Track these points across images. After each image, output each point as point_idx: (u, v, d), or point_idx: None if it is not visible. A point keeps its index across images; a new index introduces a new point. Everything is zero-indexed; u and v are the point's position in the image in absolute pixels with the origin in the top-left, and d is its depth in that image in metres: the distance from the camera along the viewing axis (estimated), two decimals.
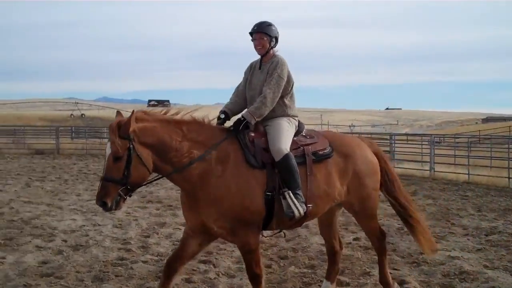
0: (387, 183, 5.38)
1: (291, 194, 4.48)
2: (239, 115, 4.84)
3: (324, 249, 6.95)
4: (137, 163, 4.21)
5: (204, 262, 6.48)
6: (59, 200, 10.82)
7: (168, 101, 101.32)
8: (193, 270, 6.18)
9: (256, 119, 4.72)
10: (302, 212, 4.49)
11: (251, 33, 4.88)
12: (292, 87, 4.98)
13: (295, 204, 4.46)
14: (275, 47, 4.95)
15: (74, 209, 9.99)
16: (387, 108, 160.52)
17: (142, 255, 6.80)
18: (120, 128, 4.17)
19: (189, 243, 4.68)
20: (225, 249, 7.10)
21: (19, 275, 5.86)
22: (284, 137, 4.69)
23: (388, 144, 20.73)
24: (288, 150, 4.59)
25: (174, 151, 4.37)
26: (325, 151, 4.89)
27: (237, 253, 6.92)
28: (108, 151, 4.21)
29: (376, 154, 5.34)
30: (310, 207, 4.64)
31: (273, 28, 4.87)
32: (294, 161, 4.56)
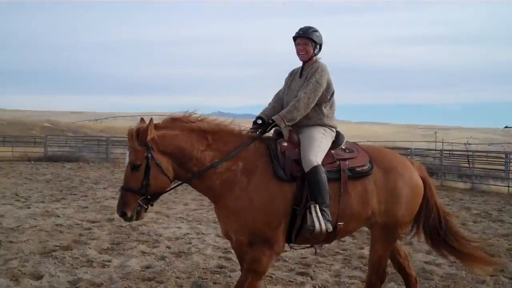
0: (426, 215, 4.84)
1: (317, 208, 4.17)
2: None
3: (427, 267, 6.42)
4: (156, 172, 4.09)
5: (301, 274, 6.35)
6: (167, 209, 11.11)
7: None
8: (290, 281, 6.05)
9: (287, 123, 4.45)
10: (324, 228, 4.15)
11: (295, 38, 4.62)
12: (332, 96, 4.66)
13: (319, 220, 4.13)
14: (318, 54, 4.68)
15: (180, 217, 10.23)
16: (506, 127, 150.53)
17: None
18: (139, 136, 4.04)
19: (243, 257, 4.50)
20: (324, 262, 6.92)
21: (123, 278, 6.03)
22: (315, 148, 4.38)
23: (504, 163, 19.29)
24: (319, 162, 4.29)
25: (194, 160, 4.22)
26: (363, 167, 4.51)
27: (336, 266, 6.68)
28: (127, 159, 4.12)
29: (423, 179, 4.82)
30: (341, 225, 4.38)
31: (318, 34, 4.61)
32: (323, 175, 4.24)
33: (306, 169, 4.24)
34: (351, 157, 4.52)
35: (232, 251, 7.29)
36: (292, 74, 4.82)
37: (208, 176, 4.25)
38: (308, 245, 4.70)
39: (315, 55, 4.64)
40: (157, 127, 4.13)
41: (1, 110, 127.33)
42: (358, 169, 4.48)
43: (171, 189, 4.41)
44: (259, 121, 4.64)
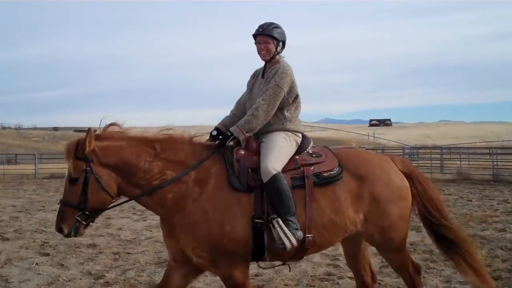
0: (426, 210, 4.45)
1: (280, 222, 3.81)
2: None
3: None
4: (95, 187, 3.78)
5: None
6: None
7: (389, 120, 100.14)
8: (399, 287, 5.82)
9: (246, 135, 4.09)
10: (294, 242, 3.80)
11: (254, 36, 4.25)
12: (295, 98, 4.29)
13: (285, 234, 3.78)
14: (281, 52, 4.32)
15: None
16: None
17: (349, 272, 6.57)
18: (77, 148, 3.77)
19: (172, 276, 4.13)
20: (434, 268, 6.64)
21: None
22: (275, 155, 4.01)
23: None
24: (278, 170, 3.93)
25: (142, 172, 3.88)
26: (331, 172, 4.13)
27: (447, 272, 6.34)
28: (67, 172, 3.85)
29: (409, 175, 4.43)
30: (310, 237, 3.98)
31: (280, 31, 4.25)
32: (284, 184, 3.88)
33: (264, 179, 3.89)
34: (317, 162, 4.16)
35: (340, 258, 7.24)
36: (255, 76, 4.50)
37: (161, 191, 3.91)
38: (280, 263, 4.31)
39: (278, 53, 4.29)
40: (100, 137, 3.88)
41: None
42: (325, 174, 4.11)
43: (118, 205, 4.08)
44: (214, 133, 4.33)
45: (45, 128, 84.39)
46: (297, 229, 3.84)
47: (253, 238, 3.89)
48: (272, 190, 3.86)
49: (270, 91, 4.10)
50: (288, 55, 4.37)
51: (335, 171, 4.13)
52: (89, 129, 3.78)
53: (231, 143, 4.17)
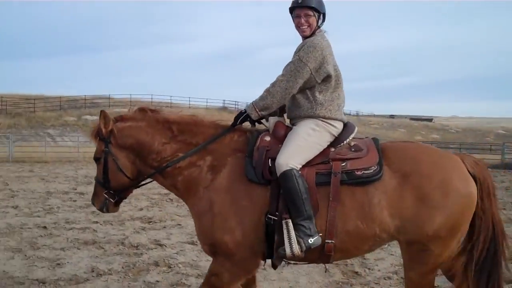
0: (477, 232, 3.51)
1: (289, 224, 3.34)
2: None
3: None
4: (113, 168, 3.74)
5: None
6: None
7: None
8: None
9: (260, 112, 3.62)
10: (296, 251, 3.32)
11: (291, 9, 3.69)
12: (327, 79, 3.62)
13: (289, 239, 3.31)
14: (322, 26, 3.73)
15: None
16: None
17: None
18: (98, 129, 3.76)
19: None
20: None
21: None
22: (292, 148, 3.49)
23: None
24: (292, 166, 3.41)
25: (154, 153, 3.72)
26: (366, 171, 3.45)
27: None
28: None
29: (480, 181, 3.51)
30: (331, 243, 3.41)
31: (321, 0, 3.67)
32: (296, 183, 3.35)
33: (277, 174, 3.43)
34: (354, 157, 3.54)
35: None
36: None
37: (171, 172, 3.73)
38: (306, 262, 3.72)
39: (319, 27, 3.71)
40: (122, 119, 3.80)
41: (456, 118, 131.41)
42: (359, 172, 3.46)
43: (143, 185, 3.96)
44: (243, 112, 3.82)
45: (382, 115, 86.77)
46: (309, 235, 3.33)
47: (265, 237, 3.47)
48: (283, 188, 3.40)
49: (292, 66, 3.56)
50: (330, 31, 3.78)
51: (371, 170, 3.46)
52: (101, 111, 3.79)
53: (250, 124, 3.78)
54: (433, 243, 3.36)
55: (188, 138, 3.75)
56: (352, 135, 3.70)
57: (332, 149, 3.60)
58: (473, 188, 3.43)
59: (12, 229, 8.10)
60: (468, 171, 3.49)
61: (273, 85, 3.58)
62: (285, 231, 3.35)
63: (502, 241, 3.54)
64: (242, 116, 3.69)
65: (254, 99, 3.65)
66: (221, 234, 3.46)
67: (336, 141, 3.65)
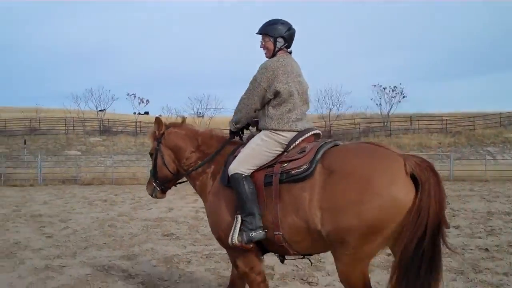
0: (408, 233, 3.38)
1: (238, 219, 4.03)
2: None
3: None
4: (161, 163, 4.78)
5: None
6: None
7: None
8: None
9: (235, 126, 4.43)
10: (235, 241, 3.99)
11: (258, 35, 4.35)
12: (280, 95, 4.10)
13: (234, 231, 4.02)
14: (284, 47, 4.26)
15: None
16: None
17: None
18: (155, 132, 4.85)
19: None
20: None
21: None
22: (242, 155, 4.17)
23: None
24: (239, 171, 4.06)
25: (185, 159, 4.70)
26: (298, 169, 3.82)
27: None
28: None
29: (422, 183, 3.40)
30: (279, 235, 3.89)
31: (278, 26, 4.21)
32: (241, 185, 3.99)
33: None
34: (293, 159, 3.96)
35: None
36: None
37: (193, 177, 4.66)
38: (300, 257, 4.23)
39: (280, 49, 4.27)
40: (173, 125, 4.88)
41: None
42: (293, 171, 3.87)
43: (181, 183, 5.01)
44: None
45: None
46: (252, 229, 3.96)
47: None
48: (234, 189, 4.08)
49: (250, 86, 4.23)
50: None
51: (302, 169, 3.84)
52: (156, 117, 4.99)
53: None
54: (349, 236, 3.51)
55: (205, 149, 4.65)
56: (299, 140, 4.12)
57: (285, 153, 4.11)
58: (400, 190, 3.44)
59: (454, 249, 8.21)
60: (410, 171, 3.49)
61: (238, 103, 4.31)
62: (233, 224, 4.04)
63: (436, 244, 3.43)
64: (230, 132, 4.53)
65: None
66: (217, 230, 4.26)
67: (286, 147, 4.14)
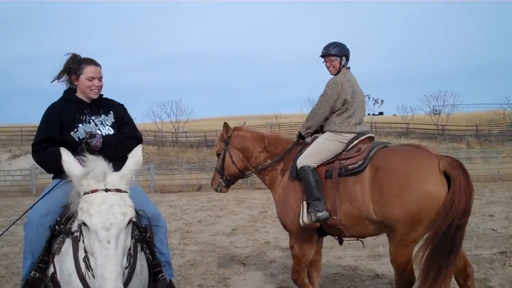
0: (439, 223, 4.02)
1: (304, 204, 4.83)
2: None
3: None
4: (229, 161, 5.64)
5: None
6: None
7: None
8: None
9: (306, 131, 5.26)
10: (305, 221, 4.76)
11: (322, 57, 5.16)
12: (346, 103, 4.99)
13: (303, 213, 4.81)
14: (346, 64, 5.13)
15: None
16: None
17: None
18: (222, 135, 5.70)
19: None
20: None
21: None
22: (310, 151, 5.01)
23: None
24: (305, 164, 4.90)
25: (254, 158, 5.57)
26: (353, 165, 4.64)
27: None
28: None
29: (454, 179, 4.05)
30: (336, 219, 4.67)
31: (339, 47, 5.08)
32: (307, 175, 4.82)
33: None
34: (350, 156, 4.75)
35: None
36: None
37: (262, 173, 5.57)
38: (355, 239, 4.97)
39: (344, 65, 5.11)
40: (239, 129, 5.72)
41: None
42: (350, 167, 4.65)
43: (246, 177, 6.05)
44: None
45: None
46: (318, 211, 4.70)
47: None
48: (301, 179, 4.92)
49: (322, 98, 5.07)
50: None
51: (357, 165, 4.59)
52: (224, 123, 5.75)
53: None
54: (396, 224, 4.23)
55: (273, 149, 5.52)
56: (356, 141, 4.94)
57: (344, 152, 4.93)
58: (434, 185, 4.11)
59: None
60: (443, 169, 4.13)
61: (311, 112, 5.23)
62: (301, 208, 4.86)
63: (461, 234, 4.03)
64: (298, 134, 5.43)
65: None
66: (284, 217, 5.11)
67: (346, 146, 4.96)
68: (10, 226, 3.98)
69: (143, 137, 4.86)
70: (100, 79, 3.78)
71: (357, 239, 5.06)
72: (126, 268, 2.62)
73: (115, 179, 2.73)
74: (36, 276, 3.30)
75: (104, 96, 3.93)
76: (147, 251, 3.28)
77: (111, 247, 2.50)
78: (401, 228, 4.21)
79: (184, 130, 52.68)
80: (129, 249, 2.69)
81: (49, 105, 3.81)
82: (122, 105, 4.00)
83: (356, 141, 4.95)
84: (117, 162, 2.94)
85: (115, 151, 3.05)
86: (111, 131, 3.75)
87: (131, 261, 2.81)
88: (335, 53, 5.09)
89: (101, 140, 3.59)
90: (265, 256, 8.31)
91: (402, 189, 4.18)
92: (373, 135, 5.17)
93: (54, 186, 3.57)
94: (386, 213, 4.26)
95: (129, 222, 2.63)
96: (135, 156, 2.88)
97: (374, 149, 4.64)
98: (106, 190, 2.66)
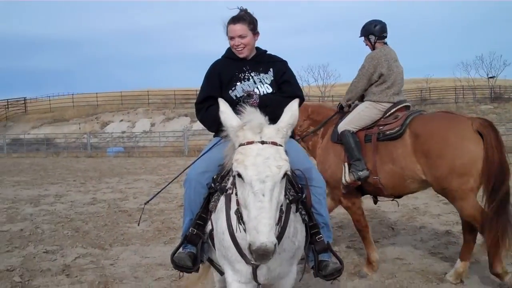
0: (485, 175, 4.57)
1: (346, 165, 5.34)
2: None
3: None
4: None
5: None
6: None
7: None
8: None
9: (347, 102, 5.72)
10: (348, 179, 5.28)
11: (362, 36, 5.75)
12: (382, 76, 5.44)
13: (345, 173, 5.32)
14: (378, 40, 5.61)
15: None
16: None
17: None
18: None
19: None
20: None
21: None
22: (350, 118, 5.48)
23: None
24: (346, 128, 5.38)
25: (299, 126, 5.90)
26: (391, 131, 5.13)
27: None
28: None
29: (485, 138, 4.60)
30: (377, 179, 5.18)
31: (364, 28, 5.65)
32: (348, 138, 5.31)
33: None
34: (389, 123, 5.25)
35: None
36: None
37: (306, 139, 6.08)
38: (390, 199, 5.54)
39: (375, 42, 5.63)
40: None
41: None
42: (387, 132, 5.17)
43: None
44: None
45: None
46: (359, 170, 5.20)
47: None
48: (342, 142, 5.39)
49: (360, 72, 5.54)
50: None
51: (394, 130, 5.11)
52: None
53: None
54: (446, 181, 4.71)
55: (315, 117, 6.05)
56: (394, 110, 5.39)
57: (382, 119, 5.39)
58: (471, 142, 4.63)
59: None
60: (476, 129, 4.65)
61: (351, 85, 5.66)
62: (343, 168, 5.34)
63: (506, 180, 4.55)
64: (339, 105, 5.85)
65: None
66: (323, 173, 4.46)
67: (383, 114, 5.42)
68: (168, 184, 4.19)
69: None
70: (241, 36, 3.59)
71: (393, 199, 5.58)
72: (277, 224, 2.54)
73: (271, 131, 2.65)
74: (194, 233, 3.39)
75: (267, 52, 3.83)
76: (303, 212, 3.19)
77: (266, 199, 2.43)
78: (452, 184, 4.68)
79: (331, 94, 52.12)
80: (281, 205, 2.62)
81: (211, 63, 3.79)
82: (284, 61, 3.81)
83: (394, 110, 5.43)
84: (274, 121, 2.83)
85: (271, 111, 2.97)
86: (270, 90, 3.63)
87: (283, 218, 2.74)
88: (363, 34, 5.73)
89: (258, 101, 3.53)
90: (414, 222, 8.02)
91: (443, 150, 4.72)
92: (410, 104, 5.67)
93: (214, 145, 3.60)
94: (436, 174, 4.77)
95: (283, 176, 2.55)
96: (291, 110, 2.78)
97: (410, 116, 5.16)
98: (262, 143, 2.59)
